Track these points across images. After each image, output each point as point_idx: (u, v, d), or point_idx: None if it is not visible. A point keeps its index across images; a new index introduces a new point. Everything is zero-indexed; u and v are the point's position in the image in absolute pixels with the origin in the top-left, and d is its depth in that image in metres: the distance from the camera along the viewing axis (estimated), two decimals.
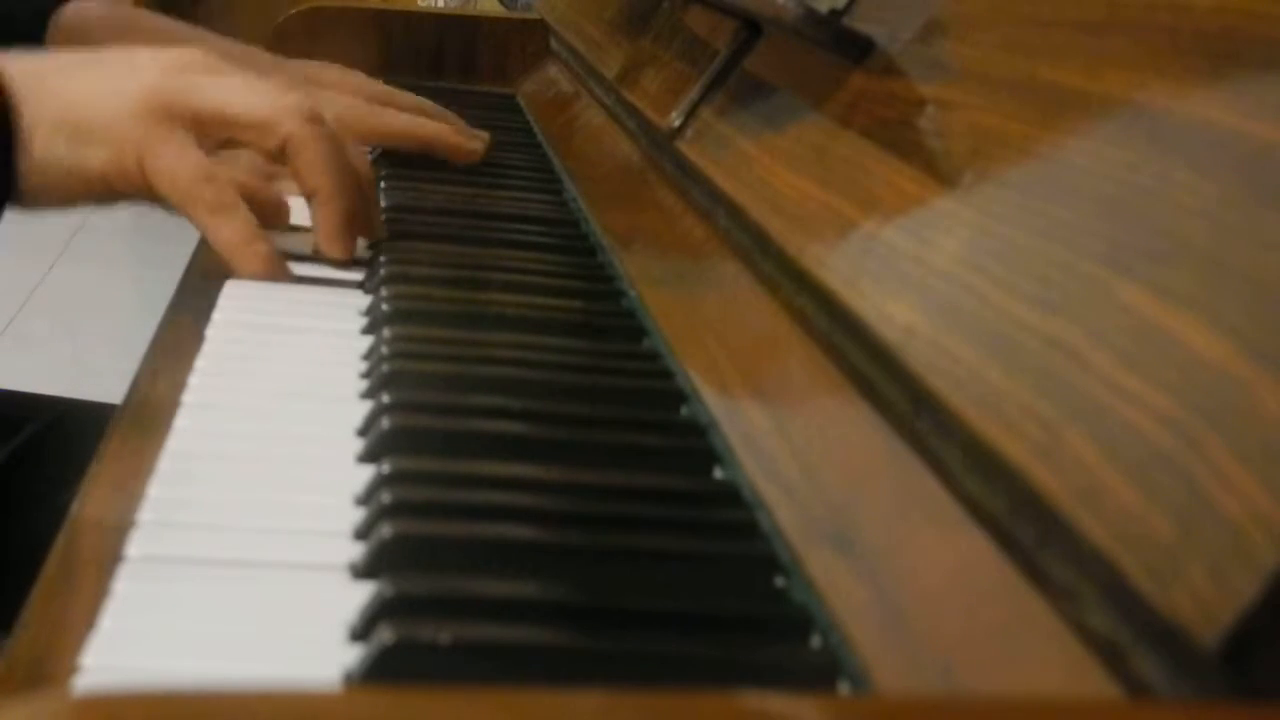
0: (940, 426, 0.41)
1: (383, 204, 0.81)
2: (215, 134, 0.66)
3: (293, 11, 1.25)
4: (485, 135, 0.93)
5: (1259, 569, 0.28)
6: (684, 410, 0.55)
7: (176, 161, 0.64)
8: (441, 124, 0.92)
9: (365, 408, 0.52)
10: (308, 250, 0.70)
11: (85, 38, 0.91)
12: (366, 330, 0.62)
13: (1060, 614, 0.33)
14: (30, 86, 0.64)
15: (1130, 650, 0.31)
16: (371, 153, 0.97)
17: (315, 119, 0.67)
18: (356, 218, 0.70)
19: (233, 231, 0.65)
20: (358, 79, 0.94)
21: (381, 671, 0.36)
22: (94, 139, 0.64)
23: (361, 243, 0.72)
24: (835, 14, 0.62)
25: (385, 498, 0.44)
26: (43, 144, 0.63)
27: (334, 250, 0.69)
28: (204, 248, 0.76)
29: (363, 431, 0.50)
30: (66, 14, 0.93)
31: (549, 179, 0.94)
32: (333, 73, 0.94)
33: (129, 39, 0.91)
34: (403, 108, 0.93)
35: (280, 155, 0.67)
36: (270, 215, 0.71)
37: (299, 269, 0.68)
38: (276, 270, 0.66)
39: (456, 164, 0.91)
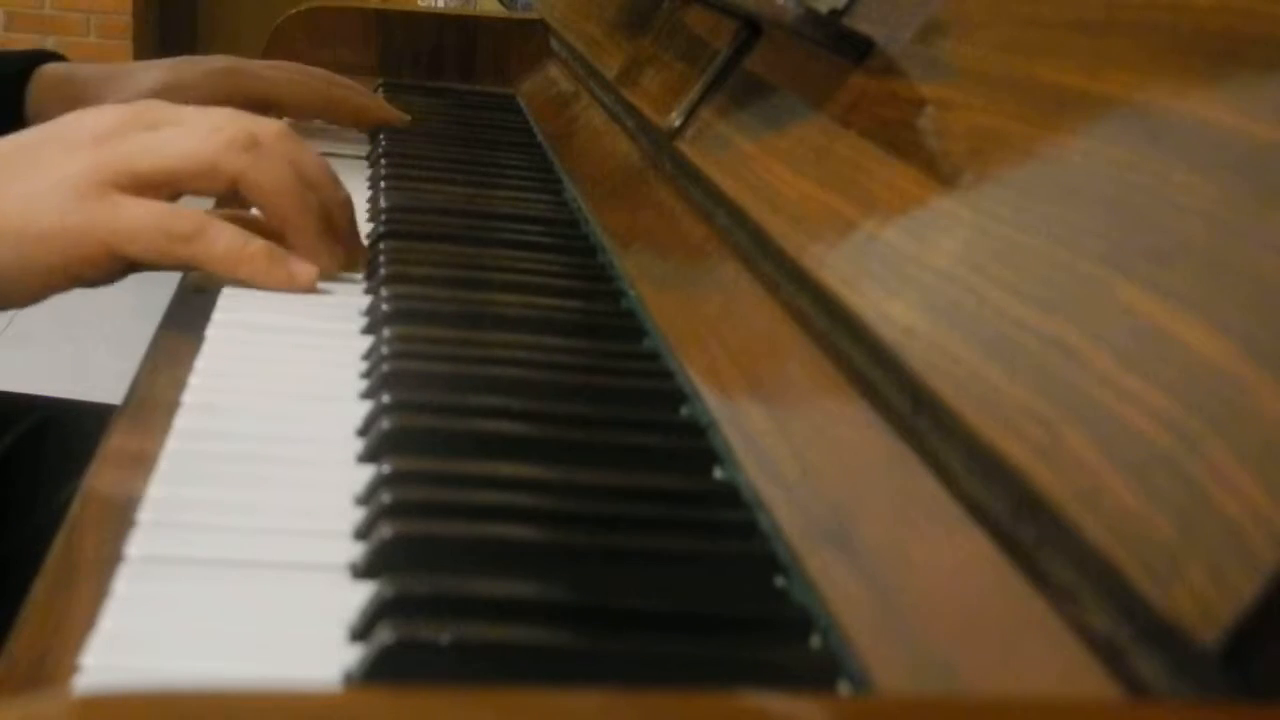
0: (940, 426, 0.41)
1: (382, 204, 0.81)
2: (165, 193, 0.64)
3: (292, 11, 1.25)
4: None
5: (1259, 569, 0.28)
6: (684, 410, 0.55)
7: (134, 217, 0.62)
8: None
9: (365, 408, 0.52)
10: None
11: (69, 90, 0.92)
12: (366, 330, 0.62)
13: (1060, 614, 0.33)
14: None
15: (1130, 650, 0.31)
16: (374, 152, 0.98)
17: (253, 145, 0.65)
18: (330, 223, 0.68)
19: (225, 243, 0.63)
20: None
21: (381, 671, 0.36)
22: (46, 241, 0.62)
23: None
24: (835, 14, 0.62)
25: (385, 498, 0.44)
26: None
27: (321, 264, 0.67)
28: None
29: (363, 431, 0.50)
30: (48, 71, 0.93)
31: (549, 179, 0.94)
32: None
33: (111, 89, 0.92)
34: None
35: (235, 195, 0.66)
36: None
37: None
38: (279, 264, 0.65)
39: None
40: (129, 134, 0.65)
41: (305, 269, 0.65)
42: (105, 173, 0.63)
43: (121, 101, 0.71)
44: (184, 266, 0.65)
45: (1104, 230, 0.39)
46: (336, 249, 0.68)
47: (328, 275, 0.67)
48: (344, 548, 0.42)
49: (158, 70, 0.96)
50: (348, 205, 0.70)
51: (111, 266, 0.63)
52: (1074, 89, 0.45)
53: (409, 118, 1.05)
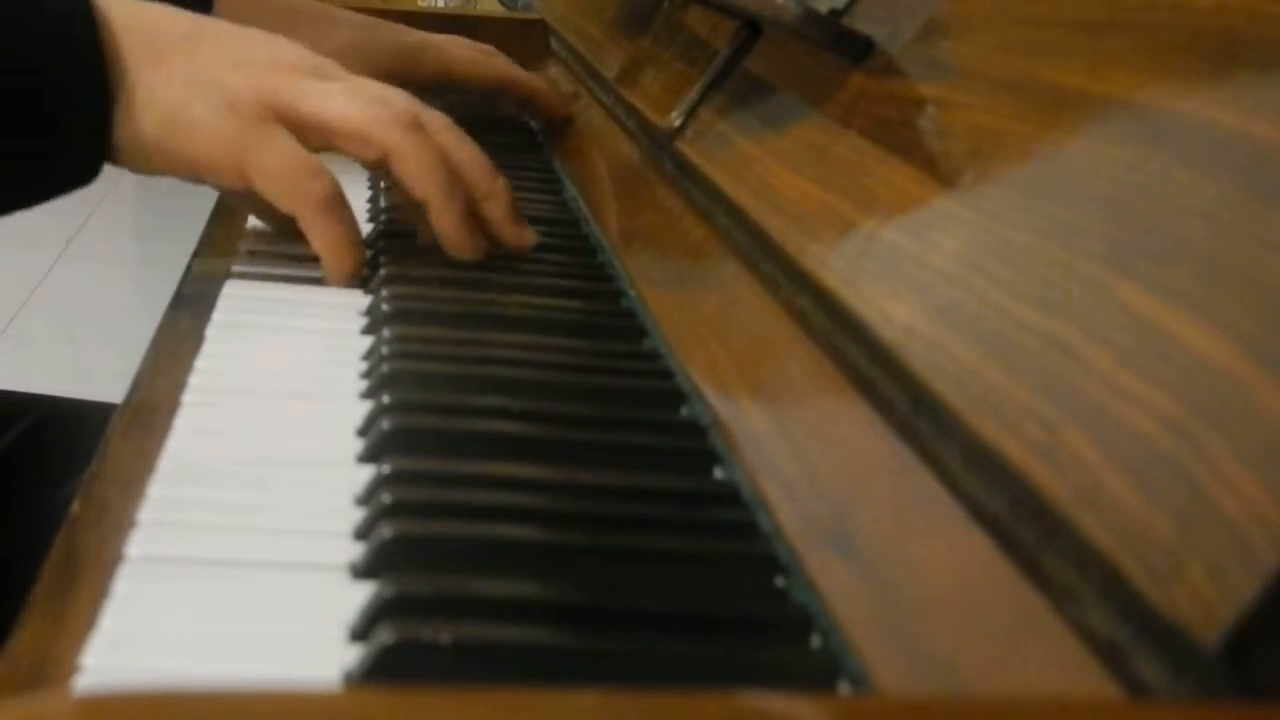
0: (940, 426, 0.41)
1: (382, 204, 0.81)
2: (314, 140, 0.65)
3: None
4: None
5: (1259, 569, 0.28)
6: (684, 410, 0.55)
7: (281, 157, 0.63)
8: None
9: (365, 408, 0.52)
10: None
11: (260, 15, 0.91)
12: (366, 330, 0.62)
13: (1060, 614, 0.33)
14: (142, 54, 0.64)
15: (1130, 650, 0.31)
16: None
17: (416, 127, 0.66)
18: (472, 216, 0.69)
19: (336, 234, 0.65)
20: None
21: (381, 671, 0.36)
22: (188, 128, 0.63)
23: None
24: (835, 14, 0.62)
25: (385, 498, 0.44)
26: (137, 115, 0.63)
27: (462, 252, 0.69)
28: (204, 247, 0.76)
29: (363, 431, 0.50)
30: None
31: (549, 179, 0.94)
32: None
33: (303, 30, 0.91)
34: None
35: (382, 166, 0.66)
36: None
37: (302, 271, 0.68)
38: (354, 278, 0.67)
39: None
40: (303, 76, 0.66)
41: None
42: (269, 98, 0.64)
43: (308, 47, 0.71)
44: (289, 220, 0.66)
45: (1104, 230, 0.39)
46: (479, 238, 0.69)
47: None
48: (344, 548, 0.42)
49: (349, 29, 0.96)
50: (501, 196, 0.70)
51: (232, 181, 0.64)
52: (1074, 89, 0.45)
53: (572, 109, 1.05)
